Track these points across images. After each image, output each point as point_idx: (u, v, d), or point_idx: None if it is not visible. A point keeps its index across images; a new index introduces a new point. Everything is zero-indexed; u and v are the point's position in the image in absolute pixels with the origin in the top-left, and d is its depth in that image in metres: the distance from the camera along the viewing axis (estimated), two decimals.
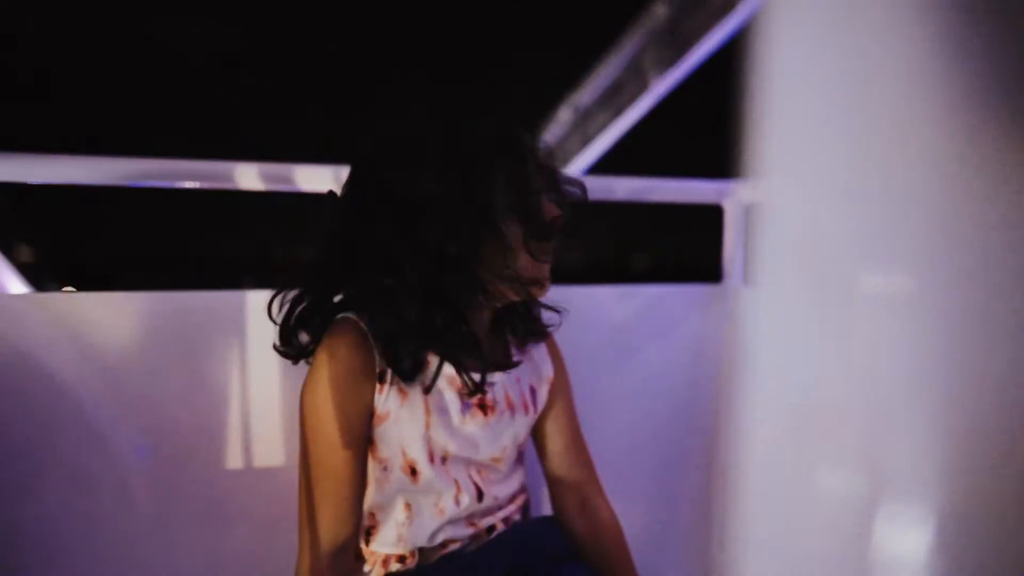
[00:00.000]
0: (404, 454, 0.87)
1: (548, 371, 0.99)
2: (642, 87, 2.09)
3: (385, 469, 0.88)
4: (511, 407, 0.93)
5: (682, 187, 1.36)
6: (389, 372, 0.85)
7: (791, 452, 0.35)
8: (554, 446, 1.00)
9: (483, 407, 0.91)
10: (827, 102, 0.35)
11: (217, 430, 1.09)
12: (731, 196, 1.37)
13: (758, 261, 0.35)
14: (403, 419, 0.86)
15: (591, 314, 1.29)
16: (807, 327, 0.33)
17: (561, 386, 1.01)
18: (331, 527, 0.85)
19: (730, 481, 1.41)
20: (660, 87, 2.00)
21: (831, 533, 0.37)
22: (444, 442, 0.88)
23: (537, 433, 1.01)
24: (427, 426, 0.87)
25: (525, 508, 0.99)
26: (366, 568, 0.92)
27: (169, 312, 1.06)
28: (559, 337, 1.01)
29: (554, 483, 1.01)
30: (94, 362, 1.03)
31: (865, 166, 0.34)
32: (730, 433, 1.40)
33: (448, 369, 0.86)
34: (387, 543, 0.90)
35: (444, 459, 0.89)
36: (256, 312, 1.10)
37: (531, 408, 0.96)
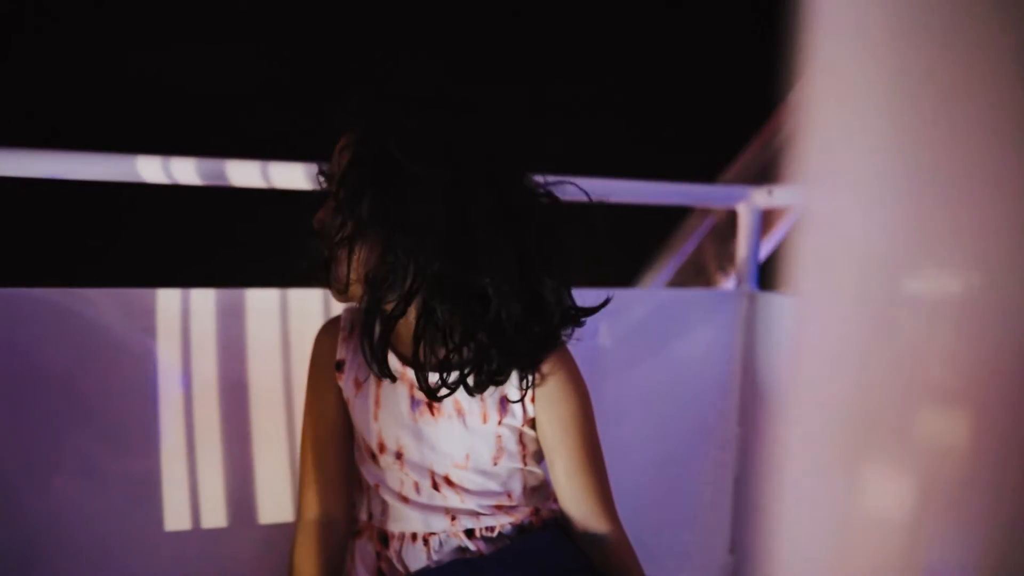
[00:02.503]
0: (364, 439, 0.94)
1: (514, 389, 0.92)
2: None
3: (361, 451, 0.96)
4: (459, 412, 0.91)
5: (698, 191, 1.36)
6: (346, 363, 0.95)
7: (825, 458, 0.35)
8: (556, 470, 0.94)
9: (430, 406, 0.91)
10: (870, 105, 0.34)
11: (231, 426, 1.09)
12: (746, 201, 1.37)
13: (798, 268, 0.34)
14: (358, 407, 0.94)
15: (603, 318, 1.29)
16: (850, 334, 0.33)
17: (559, 410, 0.93)
18: (313, 498, 0.94)
19: (744, 485, 1.41)
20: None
21: (859, 544, 0.37)
22: (396, 435, 0.92)
23: (543, 453, 0.96)
24: (375, 417, 0.92)
25: (542, 524, 0.96)
26: (362, 538, 0.96)
27: (182, 309, 1.07)
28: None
29: (561, 505, 0.97)
30: (107, 358, 1.03)
31: (908, 169, 0.33)
32: (745, 438, 1.40)
33: (396, 364, 0.91)
34: (375, 518, 0.96)
35: (399, 455, 0.92)
36: (266, 310, 1.10)
37: (501, 418, 0.91)
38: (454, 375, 0.86)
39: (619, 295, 1.31)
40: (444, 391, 0.87)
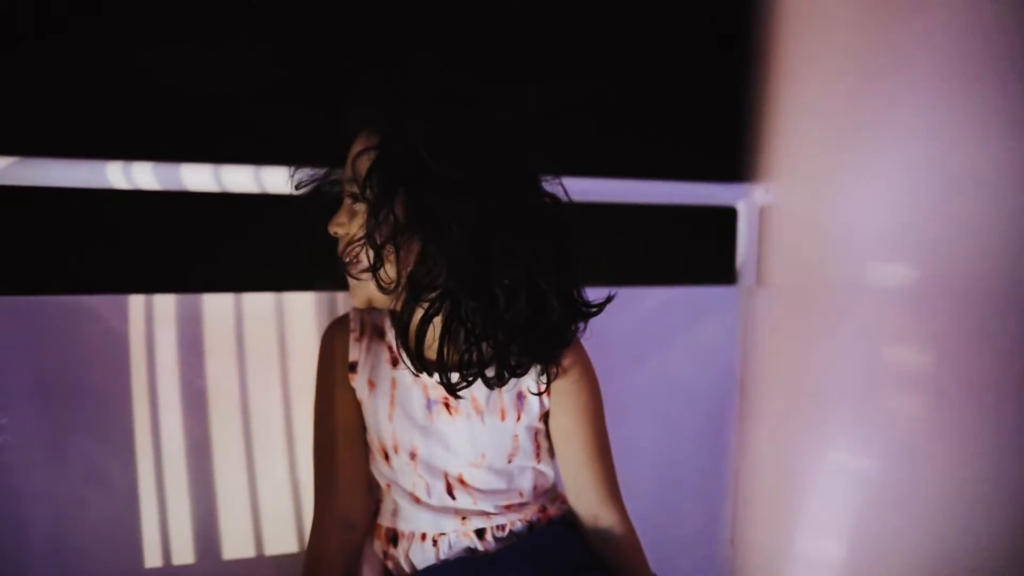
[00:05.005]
0: (377, 439, 0.94)
1: (536, 382, 0.93)
2: None
3: (372, 450, 0.95)
4: (478, 410, 0.91)
5: (696, 190, 1.38)
6: (359, 363, 0.94)
7: (807, 449, 0.37)
8: (565, 461, 0.96)
9: (447, 405, 0.91)
10: (837, 101, 0.37)
11: (235, 430, 1.10)
12: (745, 198, 1.39)
13: (772, 262, 0.37)
14: (371, 408, 0.93)
15: (602, 316, 1.30)
16: (821, 326, 0.35)
17: (573, 401, 0.94)
18: (329, 501, 0.92)
19: (742, 479, 1.42)
20: None
21: (845, 532, 0.39)
22: (409, 436, 0.92)
23: (553, 444, 0.97)
24: (389, 417, 0.92)
25: (548, 521, 0.96)
26: (369, 536, 0.97)
27: (187, 314, 1.07)
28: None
29: (568, 496, 0.98)
30: (111, 362, 1.04)
31: (872, 164, 0.36)
32: (743, 433, 1.41)
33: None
34: (384, 517, 0.96)
35: (413, 455, 0.92)
36: (271, 314, 1.11)
37: (519, 414, 0.93)
38: (473, 371, 0.86)
39: (619, 293, 1.33)
40: (463, 385, 0.87)
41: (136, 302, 1.05)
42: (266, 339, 1.11)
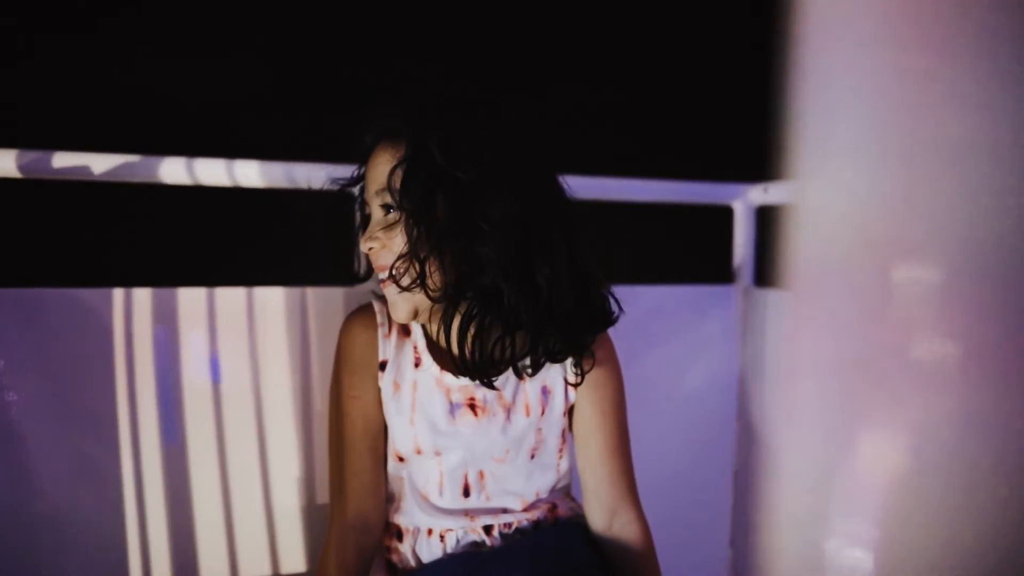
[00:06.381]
0: (395, 441, 0.93)
1: (571, 373, 0.94)
2: None
3: (387, 452, 0.95)
4: (504, 407, 0.92)
5: (692, 188, 1.37)
6: (388, 363, 0.92)
7: (834, 450, 0.35)
8: (587, 454, 0.96)
9: (472, 407, 0.91)
10: (859, 100, 0.35)
11: (231, 423, 1.09)
12: (741, 197, 1.38)
13: (793, 262, 0.35)
14: (394, 410, 0.92)
15: None
16: (848, 325, 0.34)
17: (601, 393, 0.96)
18: (349, 502, 0.91)
19: (742, 479, 1.41)
20: None
21: (869, 537, 0.37)
22: (431, 440, 0.91)
23: (574, 437, 0.98)
24: (411, 421, 0.91)
25: (555, 520, 0.96)
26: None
27: (182, 308, 1.07)
28: None
29: (586, 491, 0.98)
30: (104, 357, 1.03)
31: (899, 165, 0.34)
32: (743, 432, 1.41)
33: (434, 370, 0.92)
34: (390, 513, 0.95)
35: (438, 453, 0.92)
36: (266, 308, 1.10)
37: (543, 409, 0.93)
38: (513, 362, 0.88)
39: (616, 292, 1.32)
40: (497, 377, 0.88)
41: (118, 296, 1.04)
42: (270, 334, 1.11)
